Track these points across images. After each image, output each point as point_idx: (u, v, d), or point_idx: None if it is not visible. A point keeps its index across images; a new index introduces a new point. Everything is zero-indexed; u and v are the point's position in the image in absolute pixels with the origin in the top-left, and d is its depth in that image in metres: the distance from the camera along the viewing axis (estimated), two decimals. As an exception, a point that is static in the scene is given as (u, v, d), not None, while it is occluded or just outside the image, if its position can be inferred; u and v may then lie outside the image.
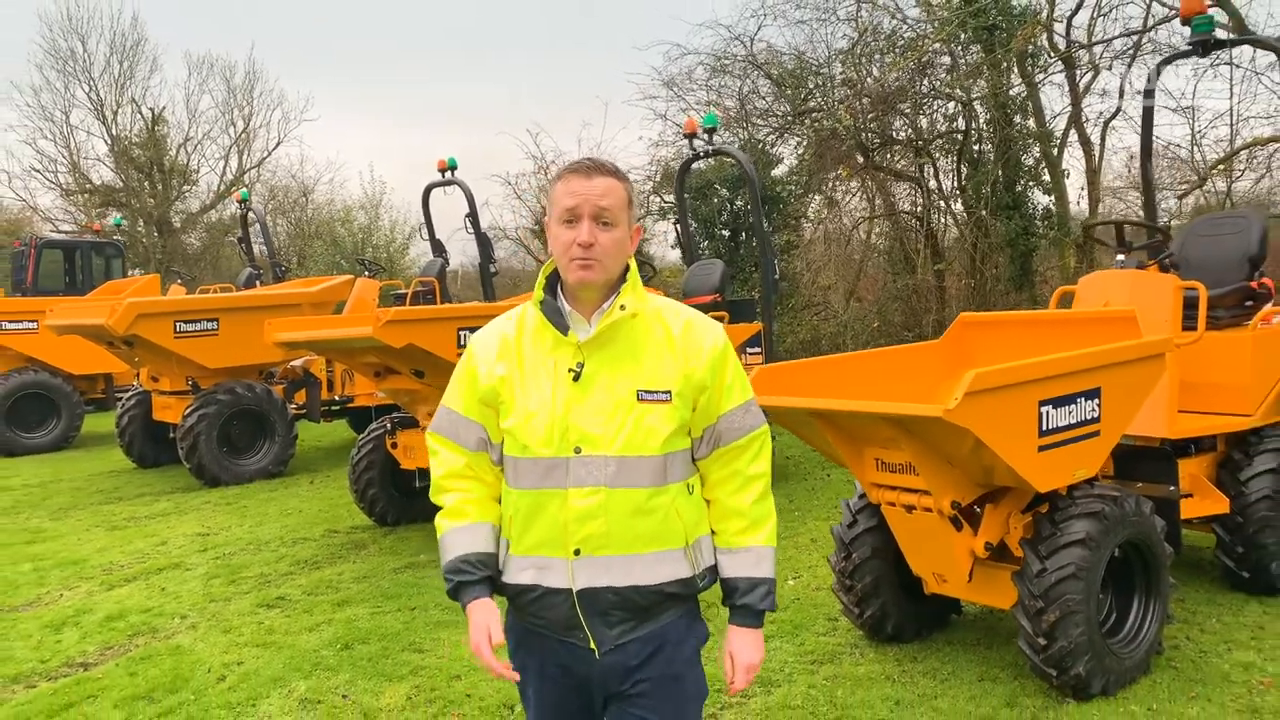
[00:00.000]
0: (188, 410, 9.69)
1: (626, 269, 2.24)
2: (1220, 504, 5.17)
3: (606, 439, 2.13)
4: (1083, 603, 4.01)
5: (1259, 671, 4.35)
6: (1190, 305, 5.19)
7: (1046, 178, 14.47)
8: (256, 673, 4.83)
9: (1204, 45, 5.86)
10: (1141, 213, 6.75)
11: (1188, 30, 5.93)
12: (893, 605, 4.78)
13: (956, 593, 4.55)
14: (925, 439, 4.01)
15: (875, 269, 17.55)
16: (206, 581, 6.48)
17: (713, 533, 2.31)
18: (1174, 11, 12.18)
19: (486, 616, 2.21)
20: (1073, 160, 14.79)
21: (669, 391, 2.17)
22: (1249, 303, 5.67)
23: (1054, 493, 4.28)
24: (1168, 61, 6.56)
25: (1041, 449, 4.01)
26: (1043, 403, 3.98)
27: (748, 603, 2.27)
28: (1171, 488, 4.86)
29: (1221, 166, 13.21)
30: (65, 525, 8.38)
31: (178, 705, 4.50)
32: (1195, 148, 13.78)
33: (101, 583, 6.58)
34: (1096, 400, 4.21)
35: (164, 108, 29.92)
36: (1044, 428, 4.00)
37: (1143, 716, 3.96)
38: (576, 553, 2.14)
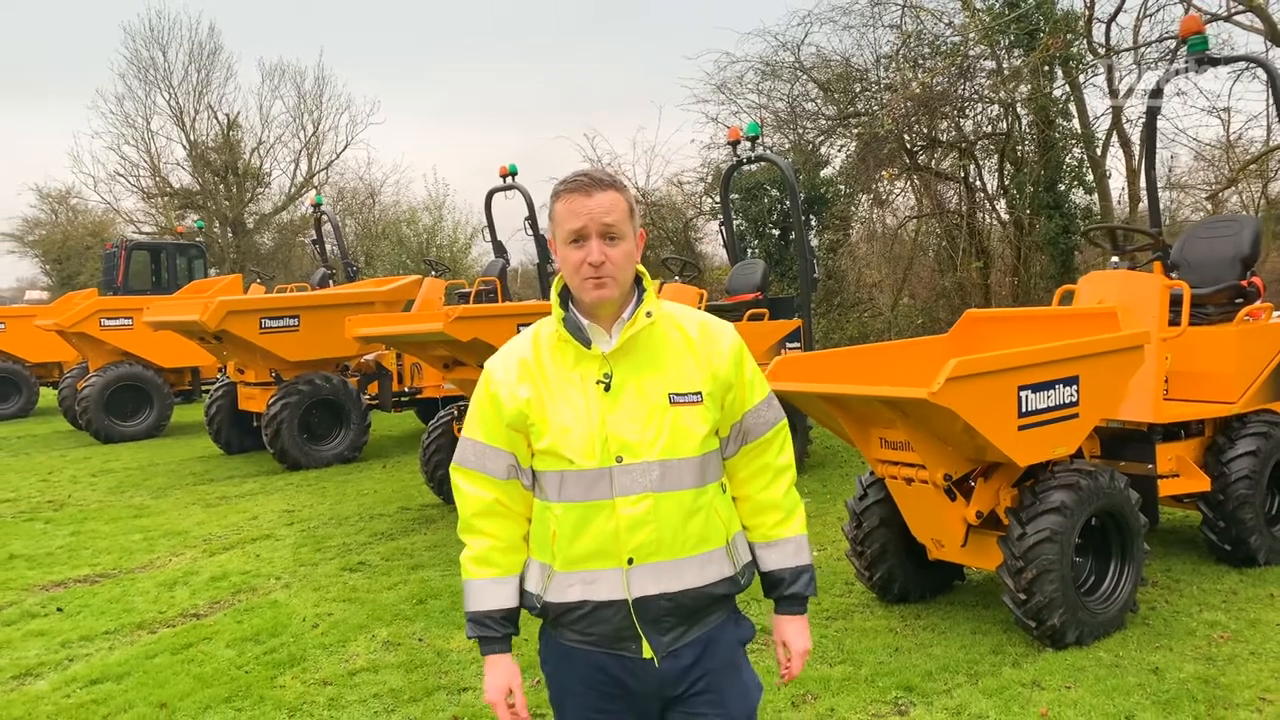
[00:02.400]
0: (271, 400, 10.56)
1: (639, 279, 2.26)
2: (1203, 483, 5.69)
3: (646, 445, 2.14)
4: (1057, 562, 4.60)
5: (1222, 628, 4.90)
6: (1176, 302, 5.72)
7: (1089, 177, 14.85)
8: (344, 621, 5.60)
9: (1199, 62, 6.35)
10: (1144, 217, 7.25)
11: (1226, 35, 6.44)
12: (899, 569, 5.40)
13: (953, 557, 5.16)
14: (918, 419, 4.62)
15: (921, 267, 17.99)
16: (295, 550, 7.30)
17: (744, 529, 2.35)
18: (1208, 16, 12.53)
19: (508, 676, 2.28)
20: (1114, 161, 15.13)
21: (699, 392, 2.19)
22: (1238, 300, 6.16)
23: (1038, 467, 4.88)
24: (1168, 79, 7.05)
25: (1021, 428, 4.59)
26: (1022, 388, 4.57)
27: (795, 591, 2.33)
28: (1149, 466, 5.41)
29: (1253, 166, 13.49)
30: (166, 502, 9.29)
31: (279, 645, 5.28)
32: (1229, 149, 14.06)
33: (203, 550, 7.43)
34: (1075, 386, 4.78)
35: (238, 113, 31.34)
36: (1023, 410, 4.58)
37: (1109, 662, 4.54)
38: (630, 561, 2.15)
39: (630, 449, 2.14)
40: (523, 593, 2.30)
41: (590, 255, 2.15)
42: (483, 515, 2.28)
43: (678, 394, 2.18)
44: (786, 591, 2.34)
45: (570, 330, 2.20)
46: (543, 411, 2.19)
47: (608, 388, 2.16)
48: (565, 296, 2.26)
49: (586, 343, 2.19)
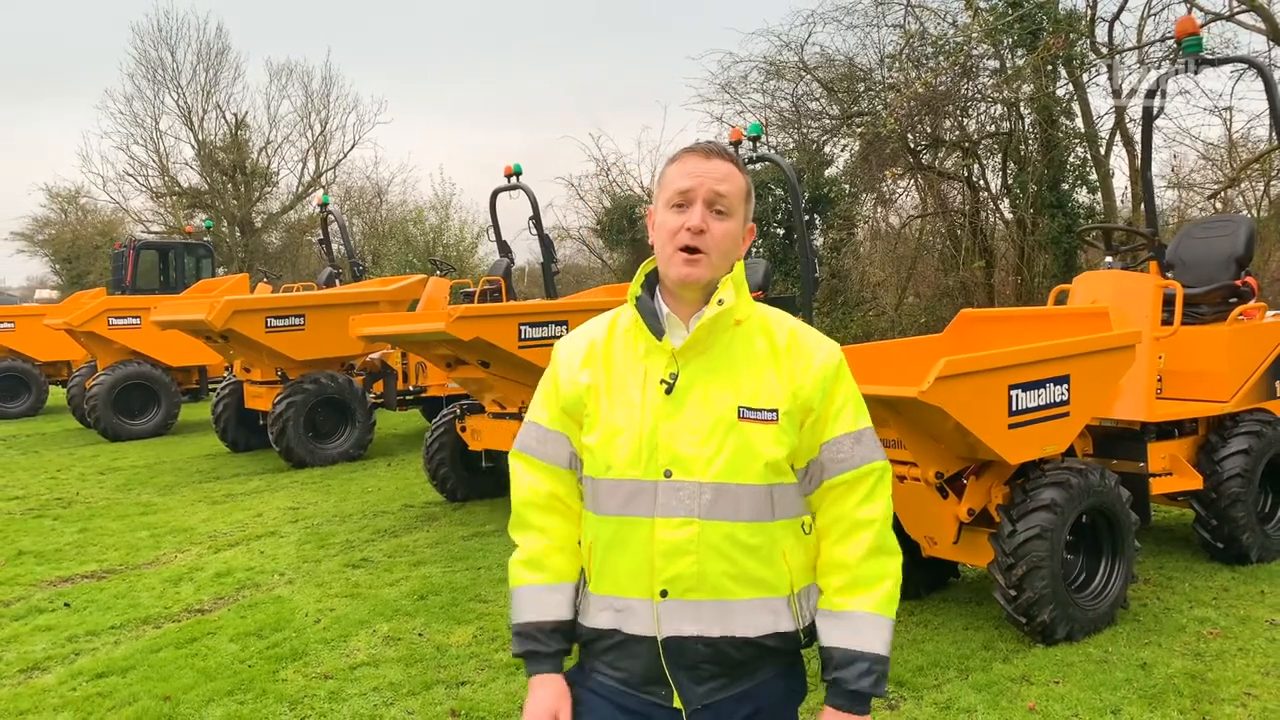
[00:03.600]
0: (277, 399, 10.65)
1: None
2: (1195, 481, 5.74)
3: (701, 462, 1.86)
4: (1047, 559, 4.66)
5: (1212, 625, 4.95)
6: (1170, 302, 5.77)
7: (1092, 176, 14.89)
8: (346, 617, 5.69)
9: (1195, 63, 6.40)
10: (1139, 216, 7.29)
11: (1229, 34, 6.50)
12: (893, 565, 5.45)
13: (945, 554, 5.22)
14: (910, 417, 4.68)
15: (925, 266, 18.04)
16: (299, 546, 7.38)
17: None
18: (1211, 16, 12.55)
19: (555, 700, 1.96)
20: (1118, 160, 15.19)
21: (775, 410, 1.89)
22: (1232, 299, 6.21)
23: (1029, 465, 4.93)
24: (1164, 80, 7.07)
25: (1012, 426, 4.65)
26: (1012, 386, 4.63)
27: (840, 678, 1.91)
28: (1141, 464, 5.47)
29: (1256, 165, 13.52)
30: (172, 500, 9.38)
31: (282, 640, 5.36)
32: (1232, 148, 14.10)
33: (209, 547, 7.52)
34: (1065, 385, 4.84)
35: (246, 113, 31.50)
36: (1014, 408, 4.64)
37: (1098, 657, 4.60)
38: (663, 594, 1.87)
39: (682, 464, 1.87)
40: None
41: (691, 220, 1.88)
42: (537, 508, 2.05)
43: (749, 408, 1.89)
44: (830, 675, 1.92)
45: (644, 314, 1.96)
46: (598, 403, 1.96)
47: (670, 389, 1.90)
48: (652, 282, 2.01)
49: (659, 333, 1.94)
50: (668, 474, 1.87)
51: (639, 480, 1.88)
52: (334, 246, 15.70)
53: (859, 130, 15.92)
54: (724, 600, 1.87)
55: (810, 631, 1.97)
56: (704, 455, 1.86)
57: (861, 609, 1.92)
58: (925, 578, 5.62)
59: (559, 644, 2.00)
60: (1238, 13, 12.31)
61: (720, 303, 1.90)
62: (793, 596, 1.92)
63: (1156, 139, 15.50)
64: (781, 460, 1.90)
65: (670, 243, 1.91)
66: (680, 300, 1.96)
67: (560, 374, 2.02)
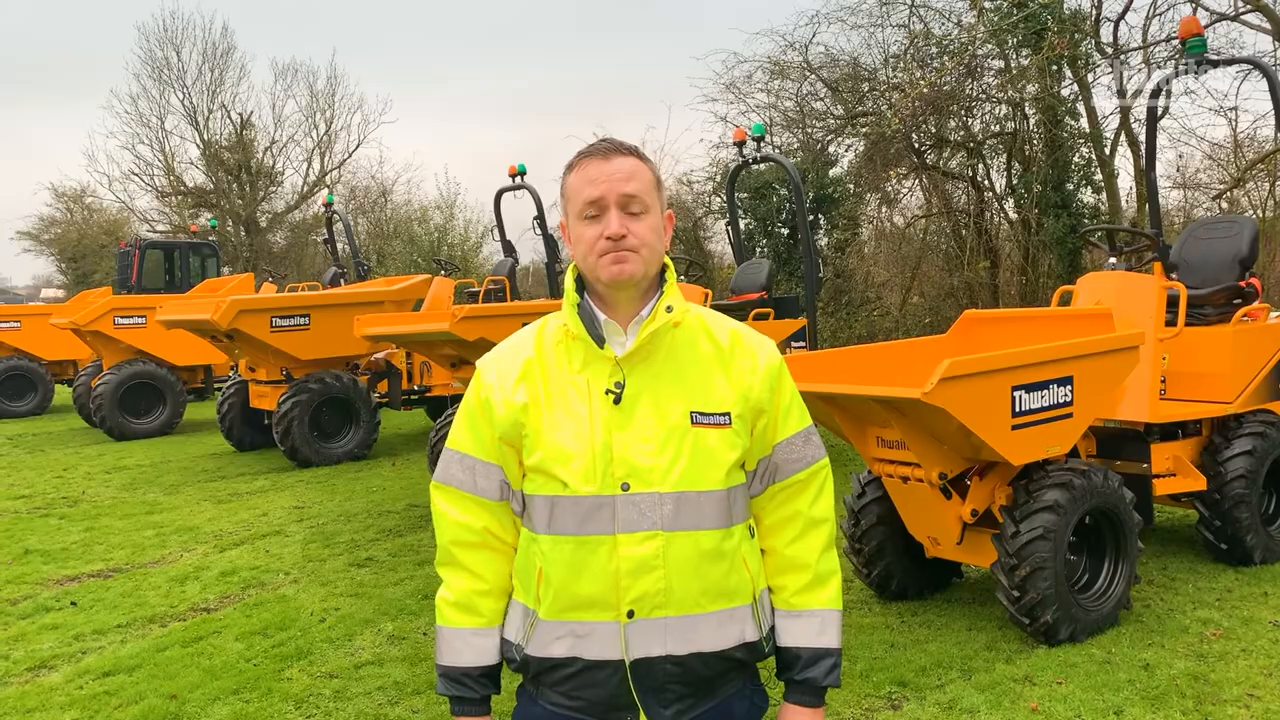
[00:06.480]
0: (282, 398, 10.69)
1: (663, 270, 1.93)
2: (1199, 482, 5.74)
3: (660, 472, 1.81)
4: (1050, 560, 4.67)
5: (1215, 626, 4.96)
6: (1174, 303, 5.78)
7: (1097, 177, 14.86)
8: (351, 616, 5.71)
9: (1199, 64, 6.40)
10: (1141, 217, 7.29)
11: (1234, 34, 6.49)
12: (896, 566, 5.47)
13: (948, 554, 5.23)
14: (913, 418, 4.69)
15: (930, 266, 18.02)
16: (304, 545, 7.41)
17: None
18: (1216, 16, 12.54)
19: None
20: (1123, 160, 15.19)
21: (728, 413, 1.86)
22: (1237, 300, 6.21)
23: (1032, 466, 4.94)
24: (1168, 81, 7.09)
25: (1015, 428, 4.66)
26: (1016, 388, 4.64)
27: (810, 678, 1.94)
28: (1144, 465, 5.47)
29: (1261, 166, 13.50)
30: (178, 499, 9.42)
31: (287, 639, 5.39)
32: (1237, 149, 14.07)
33: (214, 546, 7.55)
34: (1069, 386, 4.85)
35: (251, 113, 31.51)
36: (1017, 409, 4.65)
37: (1101, 658, 4.61)
38: (630, 615, 1.81)
39: (639, 475, 1.81)
40: (501, 641, 1.97)
41: (608, 228, 1.82)
42: (469, 546, 1.94)
43: (702, 413, 1.85)
44: (799, 675, 1.94)
45: (584, 320, 1.88)
46: (539, 421, 1.86)
47: (618, 399, 1.84)
48: (581, 287, 1.93)
49: (600, 340, 1.86)
50: (625, 487, 1.80)
51: (597, 496, 1.81)
52: (339, 246, 15.72)
53: (863, 130, 15.90)
54: (692, 615, 1.83)
55: (771, 639, 1.97)
56: (661, 464, 1.81)
57: (824, 606, 1.96)
58: (928, 578, 5.63)
59: (487, 689, 1.97)
60: (1243, 13, 12.30)
61: (669, 309, 1.87)
62: (756, 604, 1.91)
63: (1162, 139, 15.46)
64: (736, 463, 1.87)
65: (591, 253, 1.85)
66: (613, 305, 1.90)
67: (493, 396, 1.92)
